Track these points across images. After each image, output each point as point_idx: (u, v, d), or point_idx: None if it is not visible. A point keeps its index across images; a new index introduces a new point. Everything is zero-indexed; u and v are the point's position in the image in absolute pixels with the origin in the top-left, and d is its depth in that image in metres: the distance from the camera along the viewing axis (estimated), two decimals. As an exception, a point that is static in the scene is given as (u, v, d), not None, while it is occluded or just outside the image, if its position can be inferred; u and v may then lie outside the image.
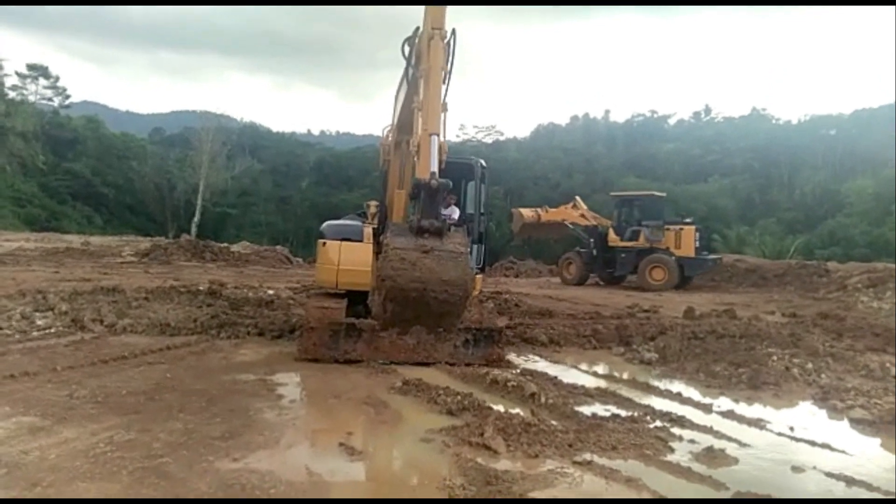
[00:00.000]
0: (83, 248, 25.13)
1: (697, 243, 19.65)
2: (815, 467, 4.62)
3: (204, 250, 22.51)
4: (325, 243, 8.59)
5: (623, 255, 20.18)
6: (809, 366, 7.42)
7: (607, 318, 10.95)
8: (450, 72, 7.23)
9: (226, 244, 27.07)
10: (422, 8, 7.28)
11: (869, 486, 4.29)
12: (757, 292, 17.40)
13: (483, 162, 9.40)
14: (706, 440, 5.05)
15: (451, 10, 7.14)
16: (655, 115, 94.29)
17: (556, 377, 6.86)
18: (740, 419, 5.77)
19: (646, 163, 69.09)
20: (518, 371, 7.06)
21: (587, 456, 4.56)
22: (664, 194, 22.67)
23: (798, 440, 5.27)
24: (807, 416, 6.12)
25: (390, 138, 8.77)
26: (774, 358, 7.57)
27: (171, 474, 3.92)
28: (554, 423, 5.20)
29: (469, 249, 6.42)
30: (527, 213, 23.10)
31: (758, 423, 5.66)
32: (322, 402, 5.80)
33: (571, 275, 21.15)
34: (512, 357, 7.84)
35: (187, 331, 8.39)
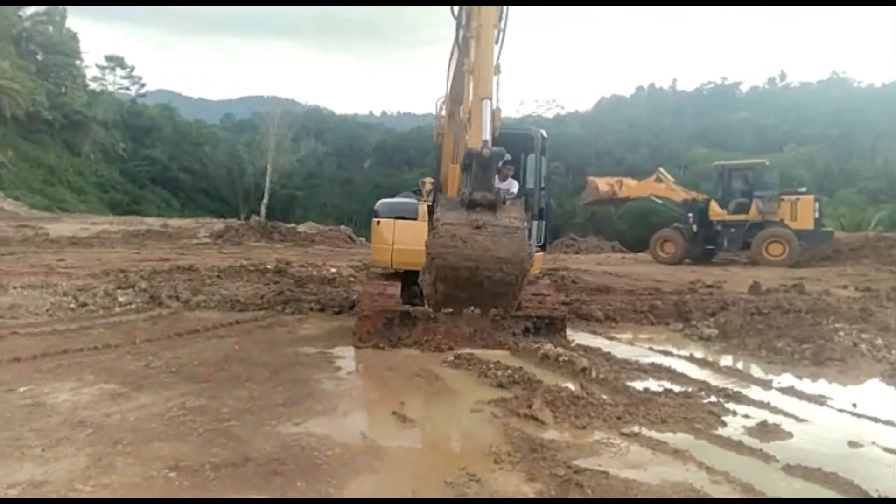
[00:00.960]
0: (162, 231, 26.45)
1: (817, 214, 18.36)
2: (874, 443, 4.51)
3: (272, 231, 23.35)
4: (379, 222, 8.34)
5: (732, 229, 18.76)
6: (879, 342, 7.14)
7: (667, 294, 10.79)
8: (504, 30, 6.73)
9: (293, 225, 27.93)
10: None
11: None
12: (831, 266, 16.65)
13: (544, 132, 9.01)
14: (761, 415, 4.98)
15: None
16: (726, 83, 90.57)
17: (609, 353, 6.85)
18: (800, 395, 5.65)
19: (716, 133, 66.67)
20: (571, 346, 7.09)
21: (635, 428, 4.60)
22: (767, 162, 21.35)
23: (860, 416, 5.12)
24: (873, 394, 5.94)
25: (444, 111, 8.30)
26: (841, 333, 7.32)
27: (237, 436, 4.21)
28: (604, 396, 5.25)
29: (527, 224, 5.87)
30: (603, 185, 21.76)
31: (818, 400, 5.53)
32: (377, 374, 6.03)
33: (668, 253, 19.44)
34: (566, 333, 7.86)
35: (255, 306, 8.82)
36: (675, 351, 7.25)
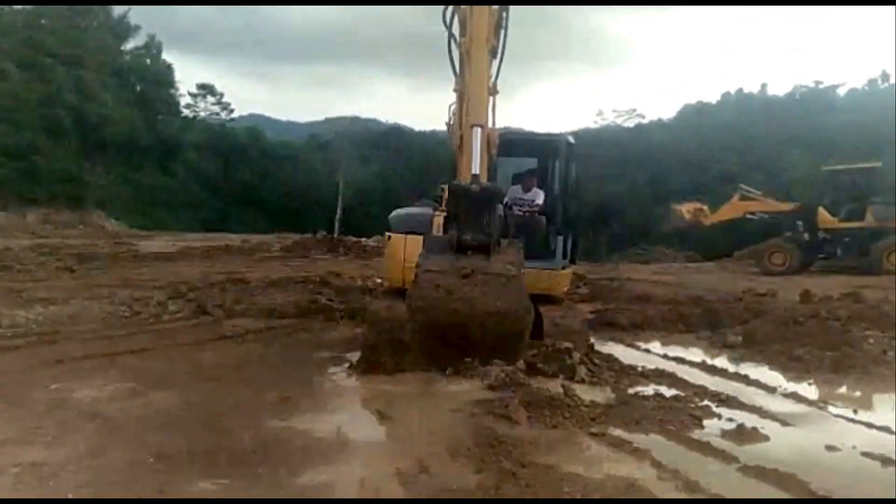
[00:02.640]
0: (240, 246, 27.97)
1: None
2: (854, 447, 4.37)
3: (338, 245, 24.28)
4: (390, 237, 7.62)
5: (846, 238, 17.66)
6: (910, 349, 6.79)
7: (709, 303, 10.50)
8: (503, 47, 6.09)
9: (363, 239, 28.84)
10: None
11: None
12: (910, 274, 15.58)
13: (571, 138, 8.34)
14: (748, 419, 4.92)
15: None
16: (822, 86, 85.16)
17: (617, 358, 6.82)
18: (800, 401, 5.51)
19: (811, 137, 62.94)
20: (583, 352, 7.09)
21: (606, 428, 4.66)
22: (881, 164, 19.87)
23: (855, 422, 4.97)
24: (881, 401, 5.69)
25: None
26: (871, 341, 7.02)
27: (224, 429, 4.59)
28: (587, 399, 5.31)
29: (522, 270, 5.00)
30: (688, 213, 21.38)
31: (819, 406, 5.38)
32: (380, 376, 6.26)
33: (778, 265, 17.97)
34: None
35: (290, 315, 9.32)
36: (687, 357, 7.13)
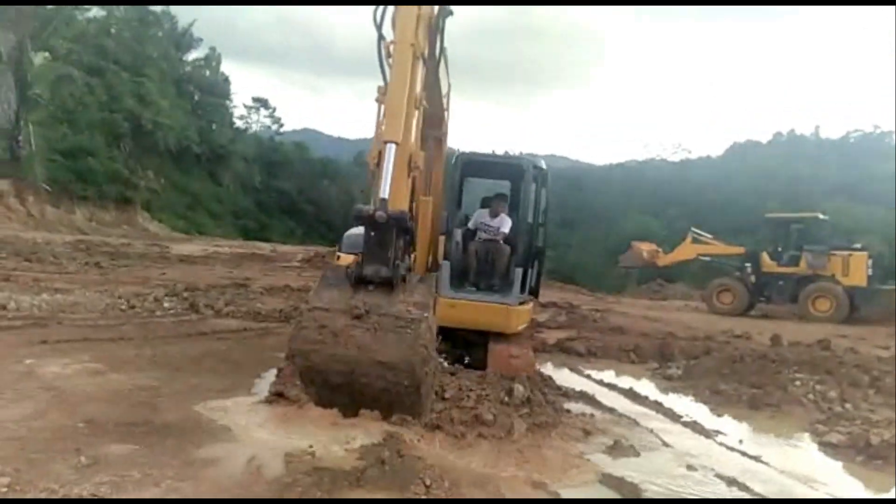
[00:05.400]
0: (266, 254, 29.12)
1: (870, 271, 17.86)
2: (712, 469, 4.76)
3: (355, 259, 25.10)
4: (339, 257, 7.02)
5: (780, 282, 18.60)
6: (832, 394, 7.05)
7: (680, 340, 10.76)
8: (439, 55, 5.68)
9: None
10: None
11: (747, 489, 4.43)
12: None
13: (541, 163, 7.91)
14: (632, 437, 5.35)
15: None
16: (878, 131, 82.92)
17: (552, 379, 7.23)
18: (696, 429, 5.87)
19: (862, 185, 61.39)
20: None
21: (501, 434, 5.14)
22: (826, 217, 20.61)
23: (732, 450, 5.34)
24: (773, 436, 6.02)
25: None
26: (798, 383, 7.30)
27: (157, 407, 5.20)
28: (496, 408, 5.79)
29: (432, 311, 4.48)
30: (646, 253, 22.71)
31: (710, 434, 5.74)
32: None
33: (726, 304, 18.82)
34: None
35: (272, 318, 10.01)
36: (618, 384, 7.50)
